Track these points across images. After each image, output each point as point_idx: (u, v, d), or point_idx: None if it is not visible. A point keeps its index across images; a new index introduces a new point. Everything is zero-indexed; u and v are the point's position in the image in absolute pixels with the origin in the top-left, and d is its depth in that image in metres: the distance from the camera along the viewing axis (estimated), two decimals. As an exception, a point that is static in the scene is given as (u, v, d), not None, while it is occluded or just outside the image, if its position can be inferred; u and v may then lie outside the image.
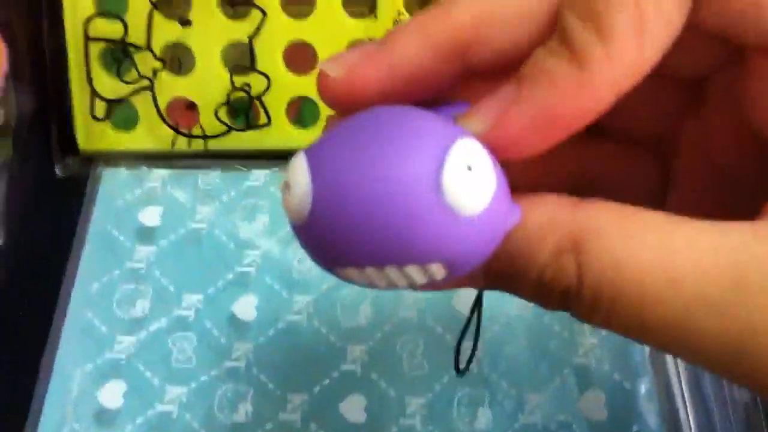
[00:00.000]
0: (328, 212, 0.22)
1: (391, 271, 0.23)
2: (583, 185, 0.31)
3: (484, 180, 0.22)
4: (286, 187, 0.23)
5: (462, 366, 0.46)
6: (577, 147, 0.30)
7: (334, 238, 0.22)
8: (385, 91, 0.26)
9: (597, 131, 0.30)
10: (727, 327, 0.23)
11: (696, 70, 0.29)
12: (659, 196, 0.31)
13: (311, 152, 0.23)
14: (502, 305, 0.51)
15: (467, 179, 0.21)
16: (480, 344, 0.49)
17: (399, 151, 0.22)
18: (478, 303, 0.38)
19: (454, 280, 0.24)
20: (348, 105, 0.26)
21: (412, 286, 0.23)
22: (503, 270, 0.25)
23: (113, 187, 0.58)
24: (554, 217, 0.24)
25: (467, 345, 0.41)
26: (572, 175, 0.31)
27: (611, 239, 0.23)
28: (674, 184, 0.31)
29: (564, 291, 0.24)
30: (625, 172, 0.32)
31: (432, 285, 0.24)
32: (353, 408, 0.48)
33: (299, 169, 0.23)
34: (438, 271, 0.23)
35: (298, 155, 0.23)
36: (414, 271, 0.22)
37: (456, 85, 0.27)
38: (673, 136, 0.31)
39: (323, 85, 0.26)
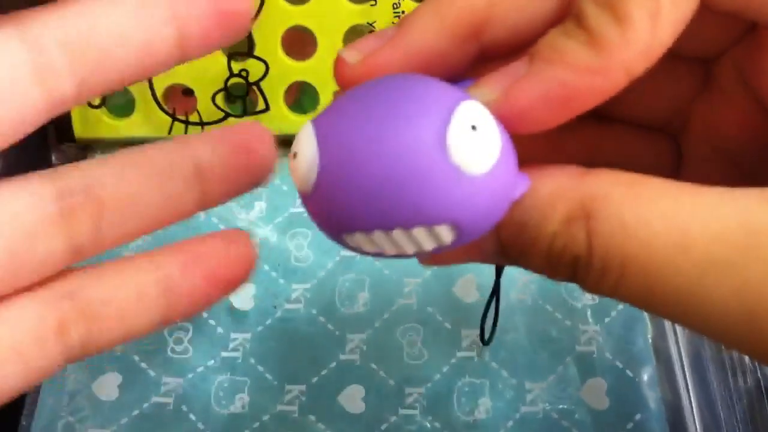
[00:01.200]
0: (335, 177, 0.22)
1: (399, 235, 0.23)
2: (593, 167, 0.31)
3: (488, 140, 0.22)
4: (294, 156, 0.24)
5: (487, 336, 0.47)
6: (588, 129, 0.31)
7: (341, 202, 0.22)
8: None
9: (607, 113, 0.31)
10: (738, 290, 0.22)
11: (708, 49, 0.29)
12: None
13: (317, 121, 0.24)
14: (503, 293, 0.51)
15: (472, 138, 0.22)
16: (479, 332, 0.49)
17: (404, 113, 0.22)
18: (497, 275, 0.41)
19: (464, 249, 0.25)
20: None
21: (421, 252, 0.23)
22: (513, 240, 0.25)
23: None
24: (563, 186, 0.24)
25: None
26: (582, 157, 0.31)
27: (620, 205, 0.23)
28: (685, 166, 0.31)
29: (574, 259, 0.24)
30: (635, 154, 0.32)
31: (441, 256, 0.25)
32: (352, 398, 0.48)
33: (306, 137, 0.23)
34: (446, 234, 0.23)
35: (306, 124, 0.24)
36: (422, 234, 0.22)
37: (472, 67, 0.27)
38: (684, 117, 0.31)
39: (341, 71, 0.26)
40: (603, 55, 0.23)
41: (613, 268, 0.23)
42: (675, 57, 0.27)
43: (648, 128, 0.32)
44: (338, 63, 0.27)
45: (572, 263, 0.24)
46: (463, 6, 0.26)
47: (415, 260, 0.26)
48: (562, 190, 0.24)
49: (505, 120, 0.24)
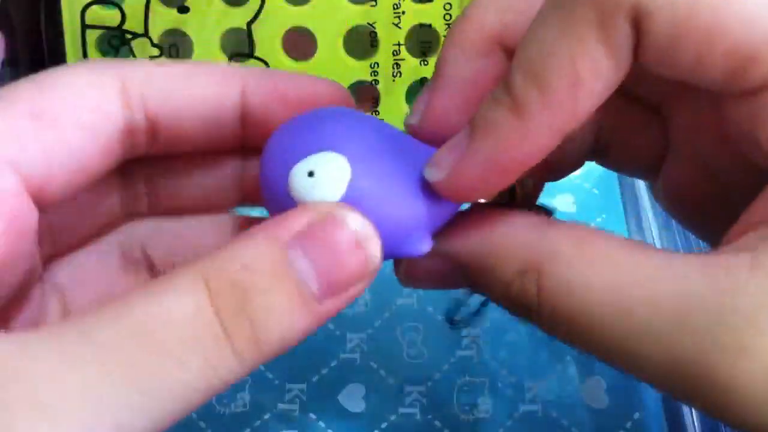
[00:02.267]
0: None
1: None
2: (600, 136, 0.33)
3: (324, 184, 0.26)
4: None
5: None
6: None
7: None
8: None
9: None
10: (673, 360, 0.23)
11: (659, 94, 0.31)
12: (660, 161, 0.32)
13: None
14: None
15: (306, 182, 0.26)
16: (479, 332, 0.49)
17: (282, 157, 0.28)
18: None
19: (438, 279, 0.31)
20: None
21: None
22: (476, 279, 0.28)
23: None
24: (522, 238, 0.27)
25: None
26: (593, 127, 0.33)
27: (568, 266, 0.25)
28: (671, 153, 0.32)
29: (526, 307, 0.26)
30: (633, 129, 0.33)
31: (418, 282, 0.32)
32: (352, 397, 0.48)
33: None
34: None
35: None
36: None
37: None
38: (672, 107, 0.31)
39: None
40: (525, 120, 0.24)
41: (560, 323, 0.25)
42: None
43: (646, 106, 0.32)
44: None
45: (526, 311, 0.26)
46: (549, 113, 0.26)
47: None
48: (520, 243, 0.26)
49: (457, 195, 0.27)
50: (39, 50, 0.56)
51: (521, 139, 0.25)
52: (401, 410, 0.48)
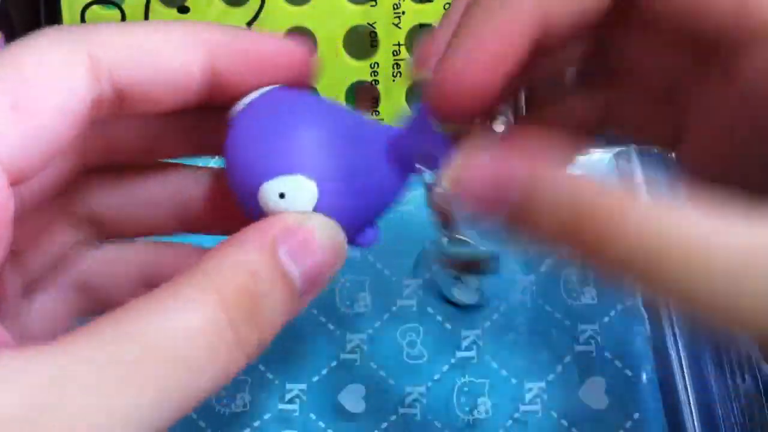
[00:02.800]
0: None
1: None
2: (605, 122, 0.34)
3: (294, 205, 0.29)
4: None
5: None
6: (597, 95, 0.33)
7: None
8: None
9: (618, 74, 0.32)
10: None
11: (670, 74, 0.31)
12: (677, 140, 0.32)
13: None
14: (503, 293, 0.51)
15: (277, 200, 0.29)
16: (480, 332, 0.49)
17: (252, 169, 0.30)
18: None
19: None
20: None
21: None
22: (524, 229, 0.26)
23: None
24: (574, 186, 0.25)
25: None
26: (591, 122, 0.34)
27: (637, 214, 0.23)
28: (685, 139, 0.32)
29: (584, 260, 0.25)
30: (640, 116, 0.33)
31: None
32: (352, 397, 0.48)
33: None
34: None
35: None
36: None
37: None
38: (683, 87, 0.31)
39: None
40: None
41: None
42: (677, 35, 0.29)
43: (655, 100, 0.32)
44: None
45: (581, 259, 0.25)
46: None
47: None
48: (567, 195, 0.25)
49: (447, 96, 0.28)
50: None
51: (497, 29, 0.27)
52: (401, 410, 0.48)
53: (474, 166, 0.27)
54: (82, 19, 0.54)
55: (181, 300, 0.25)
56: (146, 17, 0.54)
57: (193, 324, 0.24)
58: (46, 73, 0.28)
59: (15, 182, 0.27)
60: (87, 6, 0.54)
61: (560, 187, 0.25)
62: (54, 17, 0.55)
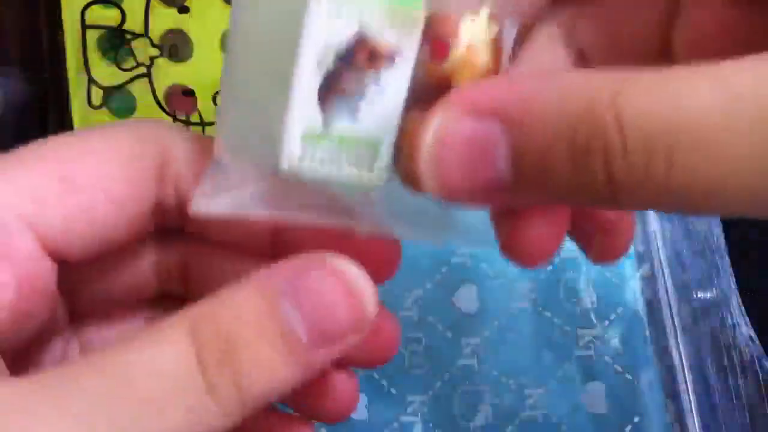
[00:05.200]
0: None
1: None
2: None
3: None
4: None
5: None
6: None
7: None
8: None
9: None
10: None
11: None
12: (666, 30, 0.30)
13: None
14: (503, 300, 0.51)
15: None
16: (479, 340, 0.49)
17: None
18: None
19: (478, 185, 0.23)
20: None
21: None
22: (529, 145, 0.22)
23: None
24: (584, 79, 0.22)
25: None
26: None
27: (652, 82, 0.21)
28: (681, 16, 0.29)
29: (604, 150, 0.21)
30: (632, 6, 0.30)
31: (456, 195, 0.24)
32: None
33: None
34: None
35: None
36: None
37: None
38: None
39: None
40: None
41: (658, 144, 0.20)
42: None
43: None
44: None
45: (603, 156, 0.21)
46: None
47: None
48: (582, 82, 0.22)
49: None
50: (34, 50, 0.56)
51: None
52: (403, 419, 0.48)
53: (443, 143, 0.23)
54: (82, 19, 0.54)
55: (156, 339, 0.24)
56: (146, 17, 0.54)
57: (160, 364, 0.23)
58: (110, 157, 0.28)
59: (56, 256, 0.27)
60: (87, 6, 0.54)
61: (550, 101, 0.22)
62: (54, 17, 0.54)
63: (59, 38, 0.55)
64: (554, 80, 0.22)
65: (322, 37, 0.24)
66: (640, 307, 0.52)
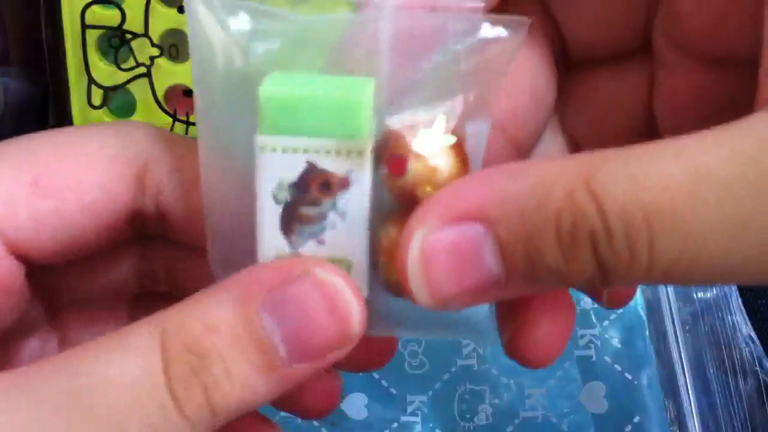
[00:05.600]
0: None
1: None
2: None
3: None
4: None
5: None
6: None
7: None
8: None
9: (577, 59, 0.32)
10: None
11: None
12: (648, 105, 0.31)
13: None
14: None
15: None
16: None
17: None
18: None
19: (475, 288, 0.23)
20: None
21: None
22: (515, 238, 0.22)
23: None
24: (555, 168, 0.23)
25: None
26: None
27: (621, 163, 0.22)
28: (657, 88, 0.31)
29: (590, 235, 0.22)
30: (611, 93, 0.32)
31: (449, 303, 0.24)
32: (355, 405, 0.48)
33: None
34: None
35: None
36: None
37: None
38: (646, 35, 0.31)
39: None
40: None
41: (637, 229, 0.21)
42: None
43: (616, 63, 0.32)
44: None
45: (590, 241, 0.22)
46: None
47: None
48: (556, 171, 0.22)
49: None
50: (35, 50, 0.56)
51: None
52: (403, 419, 0.48)
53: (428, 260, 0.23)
54: (82, 19, 0.54)
55: (124, 344, 0.23)
56: (146, 17, 0.54)
57: (123, 375, 0.22)
58: (86, 162, 0.27)
59: (25, 258, 0.27)
60: (87, 6, 0.53)
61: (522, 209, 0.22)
62: (54, 17, 0.54)
63: (59, 38, 0.55)
64: (527, 173, 0.23)
65: (274, 174, 0.25)
66: (640, 306, 0.52)
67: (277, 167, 0.25)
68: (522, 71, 0.30)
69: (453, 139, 0.25)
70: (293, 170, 0.25)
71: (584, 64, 0.32)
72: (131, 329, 0.23)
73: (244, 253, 0.26)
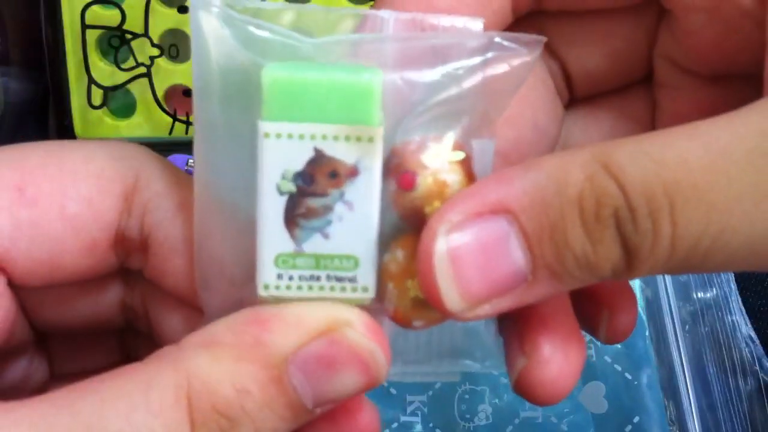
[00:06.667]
0: None
1: None
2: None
3: None
4: None
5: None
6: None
7: None
8: None
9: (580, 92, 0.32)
10: None
11: None
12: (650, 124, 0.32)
13: None
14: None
15: None
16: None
17: None
18: None
19: (502, 289, 0.23)
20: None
21: None
22: (539, 227, 0.22)
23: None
24: (570, 156, 0.23)
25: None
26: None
27: (637, 144, 0.22)
28: (660, 114, 0.31)
29: (614, 213, 0.22)
30: (615, 122, 0.32)
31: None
32: (354, 405, 0.48)
33: None
34: None
35: None
36: None
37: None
38: (648, 63, 0.31)
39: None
40: None
41: (659, 204, 0.21)
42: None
43: (618, 94, 0.32)
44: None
45: (615, 220, 0.22)
46: None
47: None
48: (569, 158, 0.22)
49: None
50: (35, 50, 0.56)
51: None
52: (403, 419, 0.48)
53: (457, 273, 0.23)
54: (82, 19, 0.54)
55: (147, 403, 0.22)
56: (146, 17, 0.54)
57: (143, 425, 0.22)
58: (73, 175, 0.27)
59: (6, 272, 0.26)
60: (87, 6, 0.54)
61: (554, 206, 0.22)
62: (54, 17, 0.54)
63: (59, 38, 0.55)
64: (542, 165, 0.23)
65: (278, 163, 0.24)
66: (641, 306, 0.52)
67: (281, 155, 0.24)
68: (525, 102, 0.30)
69: (462, 155, 0.25)
70: (299, 159, 0.24)
71: (587, 97, 0.33)
72: (153, 380, 0.22)
73: (232, 279, 0.26)
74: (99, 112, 0.56)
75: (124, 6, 0.54)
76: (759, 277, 0.53)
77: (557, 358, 0.27)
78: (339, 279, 0.25)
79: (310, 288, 0.25)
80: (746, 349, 0.49)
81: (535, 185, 0.22)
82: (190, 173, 0.52)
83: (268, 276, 0.24)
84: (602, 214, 0.22)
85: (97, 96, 0.56)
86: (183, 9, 0.54)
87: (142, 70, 0.55)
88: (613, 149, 0.22)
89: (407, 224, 0.25)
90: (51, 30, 0.55)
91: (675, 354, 0.50)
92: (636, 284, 0.52)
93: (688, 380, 0.49)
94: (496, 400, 0.49)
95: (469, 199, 0.23)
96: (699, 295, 0.51)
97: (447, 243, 0.23)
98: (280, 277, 0.24)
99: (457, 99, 0.25)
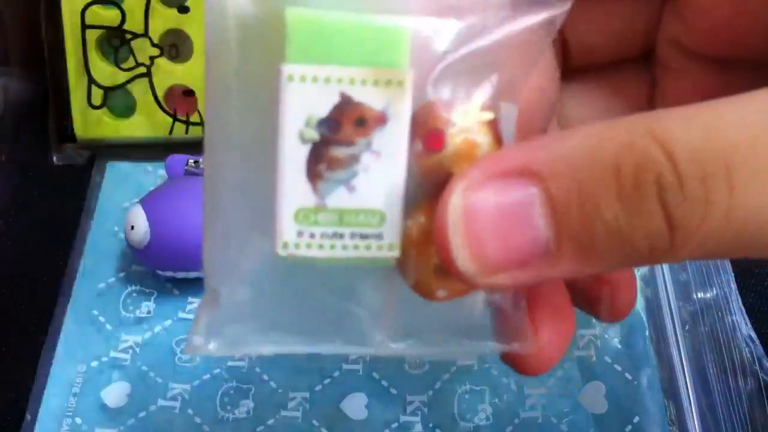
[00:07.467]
0: (159, 243, 0.49)
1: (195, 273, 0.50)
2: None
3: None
4: (131, 227, 0.49)
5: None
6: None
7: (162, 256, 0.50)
8: None
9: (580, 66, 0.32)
10: None
11: None
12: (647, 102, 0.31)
13: (146, 204, 0.50)
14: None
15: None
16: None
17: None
18: None
19: (534, 268, 0.22)
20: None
21: None
22: (572, 196, 0.21)
23: (115, 178, 0.58)
24: (607, 124, 0.21)
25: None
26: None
27: (686, 112, 0.20)
28: (662, 96, 0.31)
29: (657, 181, 0.19)
30: (611, 98, 0.32)
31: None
32: (354, 405, 0.48)
33: (140, 216, 0.49)
34: None
35: (137, 207, 0.50)
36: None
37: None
38: (651, 42, 0.31)
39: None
40: None
41: (715, 170, 0.19)
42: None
43: (615, 70, 0.32)
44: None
45: (657, 189, 0.19)
46: None
47: None
48: (606, 126, 0.21)
49: None
50: (35, 50, 0.56)
51: None
52: (403, 419, 0.48)
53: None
54: (82, 19, 0.54)
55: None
56: (146, 17, 0.54)
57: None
58: None
59: None
60: (87, 6, 0.54)
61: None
62: (54, 17, 0.54)
63: (59, 38, 0.55)
64: (575, 133, 0.21)
65: (301, 109, 0.22)
66: (640, 306, 0.52)
67: (305, 100, 0.22)
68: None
69: (491, 116, 0.23)
70: (324, 104, 0.22)
71: (583, 71, 0.32)
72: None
73: (253, 230, 0.24)
74: (99, 112, 0.56)
75: (124, 6, 0.54)
76: (759, 277, 0.53)
77: (546, 330, 0.26)
78: (363, 236, 0.23)
79: (332, 247, 0.23)
80: (746, 349, 0.49)
81: (570, 151, 0.21)
82: (190, 173, 0.52)
83: (287, 233, 0.23)
84: (642, 180, 0.19)
85: (97, 96, 0.56)
86: (183, 9, 0.54)
87: (142, 70, 0.55)
88: (660, 115, 0.20)
89: (431, 188, 0.23)
90: (51, 30, 0.55)
91: (675, 354, 0.50)
92: (636, 284, 0.52)
93: (688, 380, 0.49)
94: (496, 400, 0.49)
95: (496, 159, 0.22)
96: (699, 295, 0.51)
97: (463, 199, 0.21)
98: (300, 234, 0.23)
99: (487, 51, 0.24)
